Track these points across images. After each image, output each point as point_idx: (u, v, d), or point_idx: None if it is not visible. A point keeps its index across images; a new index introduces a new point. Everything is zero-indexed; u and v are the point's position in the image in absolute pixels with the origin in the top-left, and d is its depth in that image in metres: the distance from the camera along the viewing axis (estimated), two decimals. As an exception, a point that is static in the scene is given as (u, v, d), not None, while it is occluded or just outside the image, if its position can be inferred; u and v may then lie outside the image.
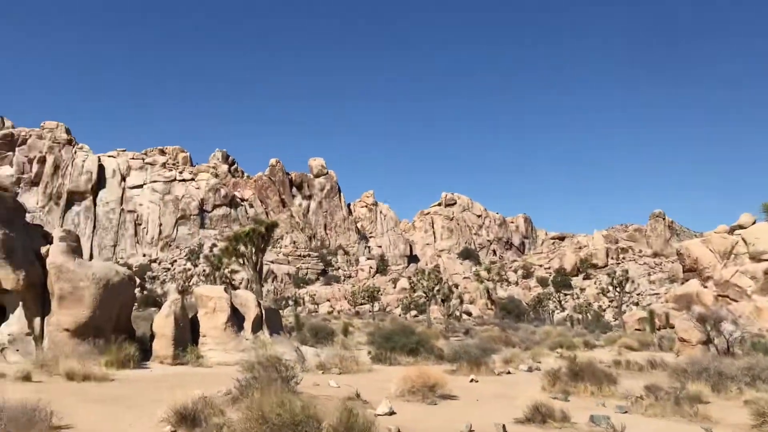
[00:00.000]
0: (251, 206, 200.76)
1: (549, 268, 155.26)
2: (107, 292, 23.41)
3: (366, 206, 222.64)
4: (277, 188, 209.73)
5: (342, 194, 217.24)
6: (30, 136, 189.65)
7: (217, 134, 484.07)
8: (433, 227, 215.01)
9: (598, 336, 57.98)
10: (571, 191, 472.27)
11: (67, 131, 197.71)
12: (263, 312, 28.26)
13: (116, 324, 24.51)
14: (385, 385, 17.97)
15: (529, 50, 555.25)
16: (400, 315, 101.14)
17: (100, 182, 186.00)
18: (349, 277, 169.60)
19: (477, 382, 21.68)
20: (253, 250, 39.58)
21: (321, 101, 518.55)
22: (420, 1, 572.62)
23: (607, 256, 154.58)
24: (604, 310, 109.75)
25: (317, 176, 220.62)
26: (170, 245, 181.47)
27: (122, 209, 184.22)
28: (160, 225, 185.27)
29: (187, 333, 25.51)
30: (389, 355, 27.07)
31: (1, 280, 22.72)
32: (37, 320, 23.31)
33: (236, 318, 27.11)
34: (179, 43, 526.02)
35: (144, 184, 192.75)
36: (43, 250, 24.74)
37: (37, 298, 23.74)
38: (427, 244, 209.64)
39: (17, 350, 21.94)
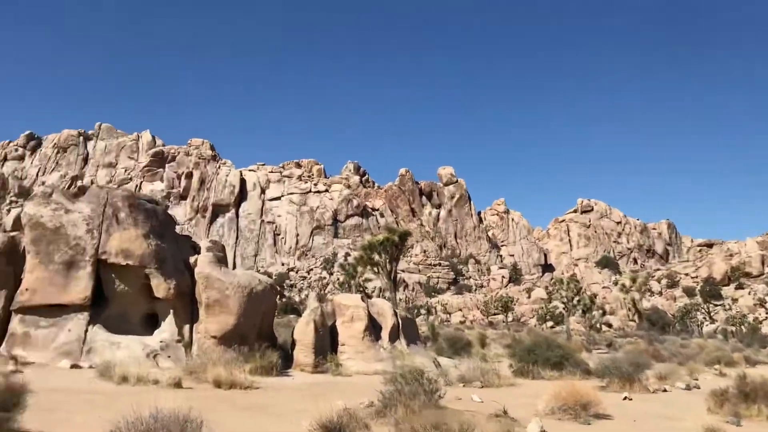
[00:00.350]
0: (382, 216, 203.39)
1: (696, 277, 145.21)
2: (251, 300, 23.98)
3: (497, 214, 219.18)
4: (407, 197, 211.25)
5: (472, 202, 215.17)
6: (178, 153, 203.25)
7: (348, 146, 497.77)
8: (568, 235, 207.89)
9: (757, 350, 53.15)
10: (719, 195, 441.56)
11: (212, 147, 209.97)
12: (399, 321, 27.99)
13: (259, 331, 25.07)
14: (530, 400, 16.96)
15: (678, 49, 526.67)
16: (535, 326, 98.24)
17: (242, 195, 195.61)
18: (481, 286, 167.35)
19: (631, 400, 20.06)
20: (387, 259, 39.57)
21: (449, 110, 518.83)
22: (540, 4, 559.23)
23: (763, 264, 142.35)
24: (761, 323, 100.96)
25: (446, 185, 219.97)
26: (306, 254, 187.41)
27: (262, 220, 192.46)
28: (297, 235, 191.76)
29: (327, 341, 25.66)
30: (531, 368, 25.85)
31: (153, 289, 23.90)
32: (187, 327, 24.27)
33: (373, 327, 27.00)
34: (311, 61, 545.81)
35: (282, 196, 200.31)
36: (192, 260, 25.78)
37: (187, 306, 24.74)
38: (563, 252, 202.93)
39: (169, 356, 22.89)
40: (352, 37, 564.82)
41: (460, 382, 22.36)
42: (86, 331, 22.98)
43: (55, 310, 23.11)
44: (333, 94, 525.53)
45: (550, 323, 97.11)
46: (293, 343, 25.71)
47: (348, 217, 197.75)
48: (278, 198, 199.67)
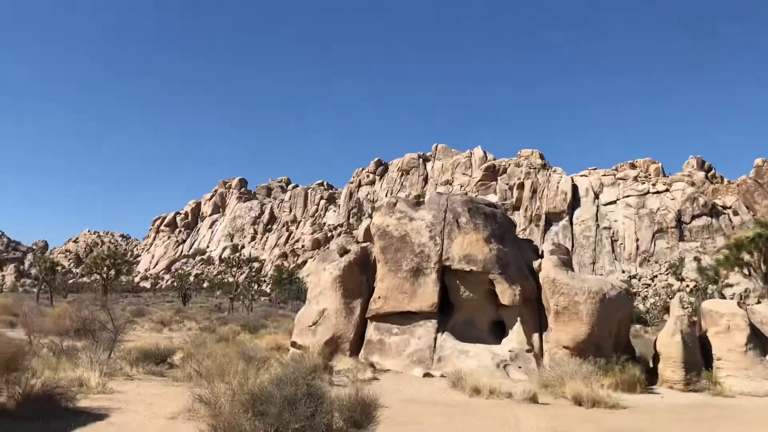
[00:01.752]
0: (735, 213, 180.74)
1: None
2: (604, 306, 21.40)
3: None
4: (766, 191, 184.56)
5: None
6: (509, 165, 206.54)
7: (689, 141, 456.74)
8: None
9: None
10: None
11: (541, 156, 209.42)
12: (791, 332, 22.69)
13: (616, 342, 22.32)
14: None
15: None
16: None
17: (575, 201, 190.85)
18: None
19: None
20: (762, 258, 33.30)
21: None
22: None
23: None
24: None
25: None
26: (649, 260, 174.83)
27: (597, 226, 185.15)
28: (637, 240, 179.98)
29: (697, 355, 21.77)
30: None
31: (498, 295, 22.79)
32: (535, 336, 22.64)
33: (757, 339, 22.28)
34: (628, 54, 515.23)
35: (617, 199, 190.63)
36: (535, 264, 24.16)
37: (534, 314, 23.15)
38: None
39: (519, 367, 21.48)
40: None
41: None
42: (435, 338, 22.76)
43: (404, 318, 23.39)
44: (662, 87, 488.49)
45: None
46: (655, 356, 22.39)
47: (694, 217, 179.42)
48: (613, 202, 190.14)
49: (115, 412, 11.53)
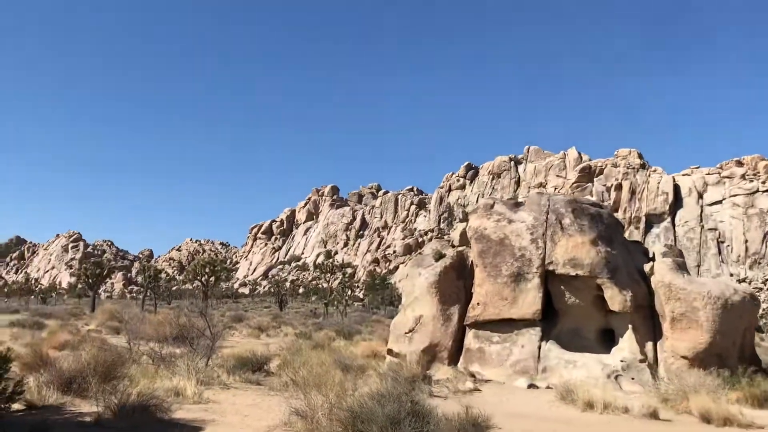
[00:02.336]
0: None
1: None
2: (726, 313, 19.52)
3: None
4: None
5: None
6: (605, 165, 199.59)
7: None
8: None
9: None
10: None
11: (640, 156, 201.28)
12: None
13: (741, 352, 20.37)
14: None
15: None
16: None
17: (677, 202, 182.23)
18: None
19: None
20: None
21: None
22: None
23: None
24: None
25: None
26: (760, 263, 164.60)
27: (702, 227, 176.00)
28: (746, 241, 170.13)
29: (839, 367, 19.54)
30: None
31: (607, 301, 21.28)
32: (649, 345, 20.98)
33: None
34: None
35: (723, 199, 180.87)
36: (647, 267, 22.45)
37: (646, 321, 21.49)
38: None
39: (632, 378, 19.89)
40: None
41: None
42: (539, 347, 21.48)
43: (505, 325, 22.23)
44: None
45: None
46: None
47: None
48: (719, 202, 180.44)
49: (209, 424, 11.13)
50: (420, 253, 25.70)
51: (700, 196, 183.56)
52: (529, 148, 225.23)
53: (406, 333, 23.48)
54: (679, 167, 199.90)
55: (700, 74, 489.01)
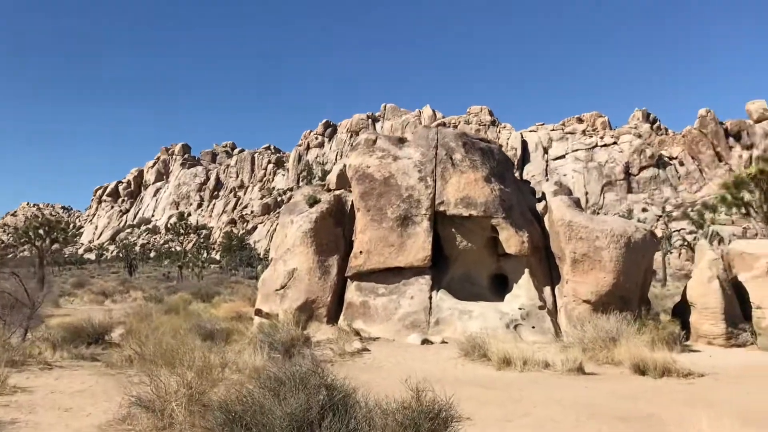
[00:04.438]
0: (681, 164, 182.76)
1: None
2: (630, 252, 18.07)
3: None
4: (710, 141, 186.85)
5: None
6: (458, 122, 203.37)
7: (632, 94, 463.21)
8: None
9: None
10: None
11: (490, 113, 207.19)
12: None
13: (641, 293, 19.14)
14: None
15: None
16: None
17: (525, 156, 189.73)
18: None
19: None
20: (764, 198, 30.64)
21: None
22: None
23: None
24: None
25: (758, 121, 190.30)
26: (598, 213, 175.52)
27: (547, 180, 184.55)
28: (587, 193, 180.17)
29: (735, 304, 18.72)
30: None
31: (502, 243, 19.24)
32: (547, 290, 19.27)
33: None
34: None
35: (566, 154, 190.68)
36: (540, 206, 20.73)
37: (542, 264, 19.75)
38: None
39: (533, 327, 18.06)
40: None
41: None
42: (430, 298, 19.12)
43: (391, 275, 19.64)
44: (607, 42, 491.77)
45: None
46: (684, 307, 19.33)
47: (642, 169, 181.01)
48: (562, 156, 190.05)
49: (5, 430, 7.48)
50: (291, 200, 22.44)
51: (546, 151, 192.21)
52: (385, 106, 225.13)
53: (277, 290, 20.28)
54: (526, 124, 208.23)
55: (541, 33, 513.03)
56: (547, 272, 19.67)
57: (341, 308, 20.08)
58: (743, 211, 31.99)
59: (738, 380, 11.90)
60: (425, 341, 17.46)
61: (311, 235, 20.24)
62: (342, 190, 22.07)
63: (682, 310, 19.74)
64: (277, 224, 22.32)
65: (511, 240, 18.93)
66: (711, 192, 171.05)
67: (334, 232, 20.89)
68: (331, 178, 22.81)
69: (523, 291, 19.17)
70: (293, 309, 19.42)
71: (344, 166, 21.79)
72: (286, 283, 20.13)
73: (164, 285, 55.74)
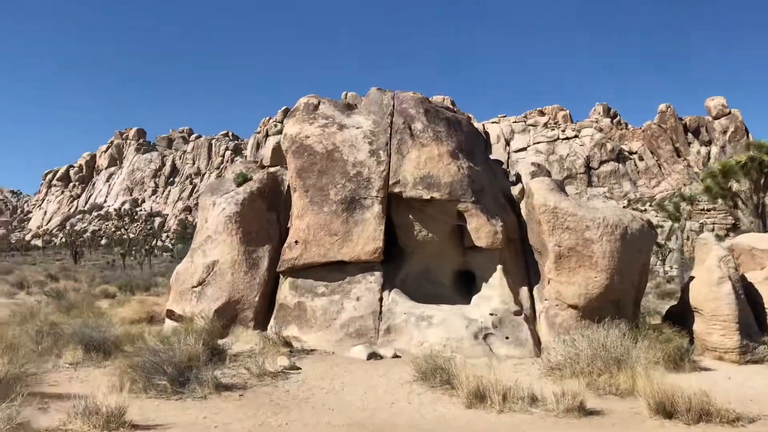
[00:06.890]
0: (641, 159, 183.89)
1: None
2: (626, 245, 14.68)
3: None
4: (669, 136, 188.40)
5: (750, 135, 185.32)
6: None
7: (594, 89, 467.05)
8: None
9: None
10: None
11: (453, 103, 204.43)
12: None
13: (637, 295, 15.81)
14: None
15: None
16: None
17: (487, 148, 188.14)
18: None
19: None
20: (752, 188, 27.88)
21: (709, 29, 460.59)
22: None
23: None
24: None
25: (717, 118, 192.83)
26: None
27: (509, 172, 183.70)
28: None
29: (749, 311, 15.52)
30: None
31: (471, 233, 15.67)
32: (524, 291, 15.80)
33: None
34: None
35: (528, 146, 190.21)
36: (515, 190, 17.28)
37: (518, 260, 16.30)
38: None
39: (507, 338, 14.56)
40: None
41: None
42: (380, 299, 15.48)
43: (334, 271, 15.92)
44: (570, 35, 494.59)
45: None
46: (684, 312, 16.09)
47: (602, 163, 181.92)
48: (524, 149, 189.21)
49: None
50: (220, 177, 18.52)
51: (507, 143, 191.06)
52: (346, 94, 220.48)
53: (193, 287, 16.41)
54: (488, 115, 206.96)
55: (507, 26, 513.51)
56: (524, 270, 16.22)
57: (273, 310, 16.32)
58: (730, 202, 29.17)
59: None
60: (373, 355, 13.81)
61: (237, 220, 16.39)
62: (278, 167, 18.28)
63: (680, 316, 16.50)
64: (199, 206, 18.38)
65: (482, 230, 15.39)
66: (669, 187, 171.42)
67: (266, 217, 17.09)
68: (266, 153, 18.98)
69: (494, 292, 15.64)
70: (211, 311, 15.60)
71: (279, 139, 17.97)
72: (204, 279, 16.27)
73: (104, 274, 51.53)
